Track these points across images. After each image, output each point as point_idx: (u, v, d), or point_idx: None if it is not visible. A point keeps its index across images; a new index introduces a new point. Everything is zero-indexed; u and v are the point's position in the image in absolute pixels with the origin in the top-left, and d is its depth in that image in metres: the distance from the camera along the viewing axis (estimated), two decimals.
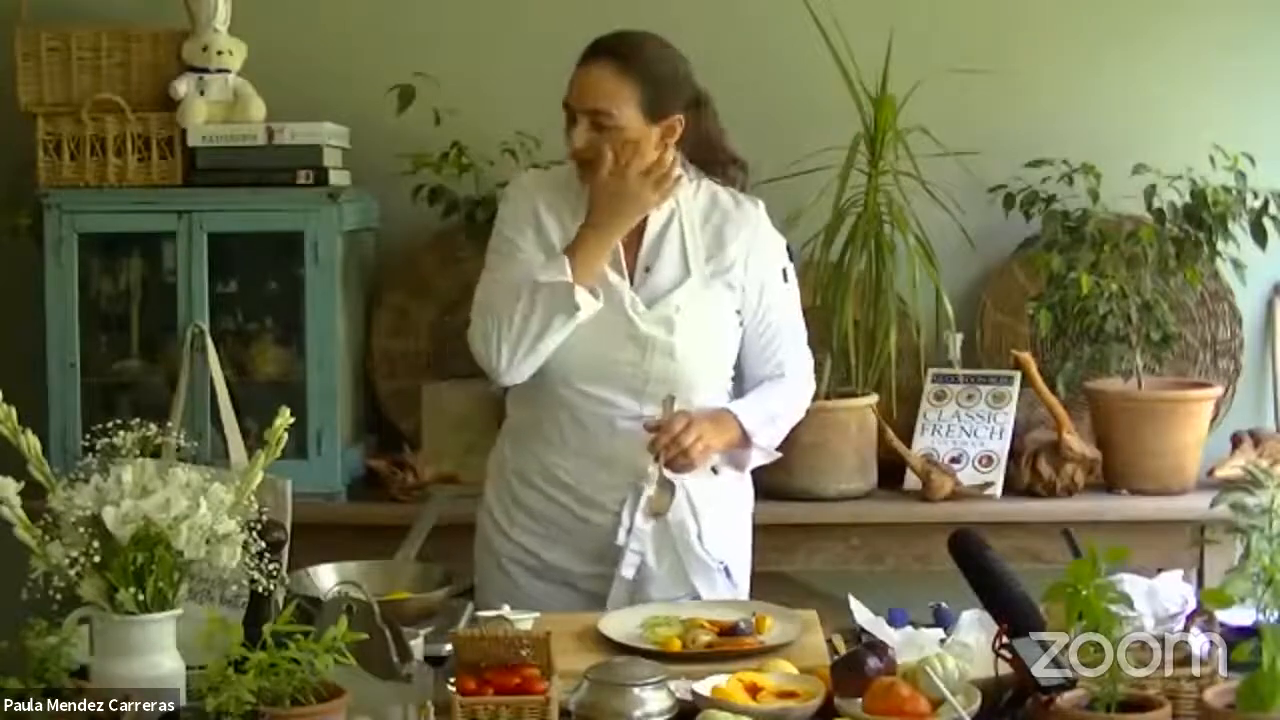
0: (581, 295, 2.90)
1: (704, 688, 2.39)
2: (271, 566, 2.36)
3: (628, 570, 2.99)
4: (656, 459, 2.92)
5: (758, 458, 3.09)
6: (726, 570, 3.07)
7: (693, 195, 3.06)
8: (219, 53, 4.02)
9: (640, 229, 3.01)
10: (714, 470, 3.05)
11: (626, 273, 2.99)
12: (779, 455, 3.14)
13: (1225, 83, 4.30)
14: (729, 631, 2.67)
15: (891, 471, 4.03)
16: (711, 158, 3.11)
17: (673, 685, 2.38)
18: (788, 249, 3.15)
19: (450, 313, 4.16)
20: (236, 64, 4.05)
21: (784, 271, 3.10)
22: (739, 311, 3.04)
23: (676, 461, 2.93)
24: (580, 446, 3.01)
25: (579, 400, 2.99)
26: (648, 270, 3.01)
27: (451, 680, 2.37)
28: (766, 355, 3.09)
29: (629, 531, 2.98)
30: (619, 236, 2.97)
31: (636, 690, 2.32)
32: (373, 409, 4.27)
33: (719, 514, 3.07)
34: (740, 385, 3.11)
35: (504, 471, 3.12)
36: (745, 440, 3.04)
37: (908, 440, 4.06)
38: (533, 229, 3.02)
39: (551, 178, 3.12)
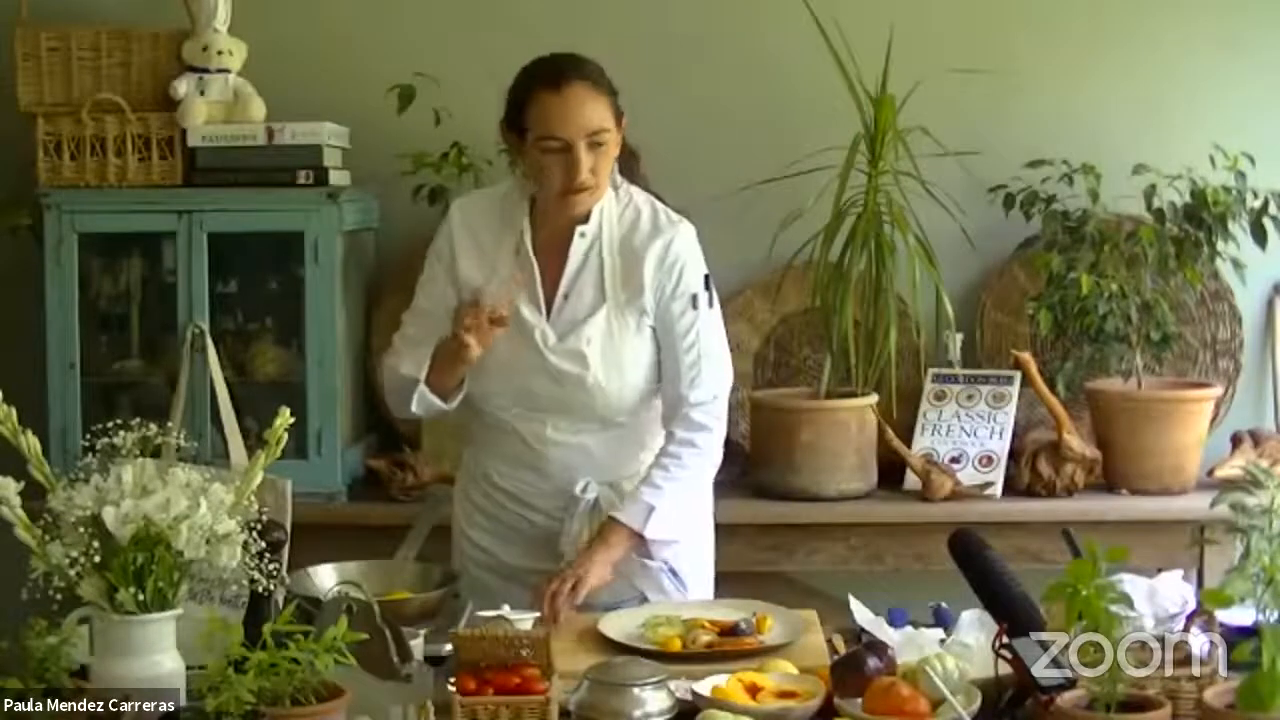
0: (428, 395, 2.94)
1: (704, 688, 2.39)
2: (271, 566, 2.36)
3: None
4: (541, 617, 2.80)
5: (660, 548, 2.98)
6: (671, 571, 3.04)
7: (617, 216, 3.01)
8: (219, 53, 4.02)
9: (563, 254, 2.98)
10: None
11: (544, 304, 2.97)
12: (677, 541, 3.00)
13: (1225, 83, 4.30)
14: (729, 631, 2.67)
15: (891, 471, 4.03)
16: None
17: (673, 685, 2.38)
18: (705, 277, 3.02)
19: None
20: (236, 64, 4.05)
21: (693, 298, 2.99)
22: (653, 335, 2.99)
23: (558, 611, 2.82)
24: (514, 455, 3.03)
25: (507, 418, 3.01)
26: (566, 297, 2.97)
27: (451, 680, 2.37)
28: (674, 385, 2.99)
29: (571, 542, 2.98)
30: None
31: (636, 690, 2.32)
32: (373, 409, 4.27)
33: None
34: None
35: (465, 472, 3.15)
36: (641, 540, 2.94)
37: (908, 440, 4.06)
38: (443, 265, 3.04)
39: (482, 208, 3.07)
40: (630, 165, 3.08)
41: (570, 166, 2.90)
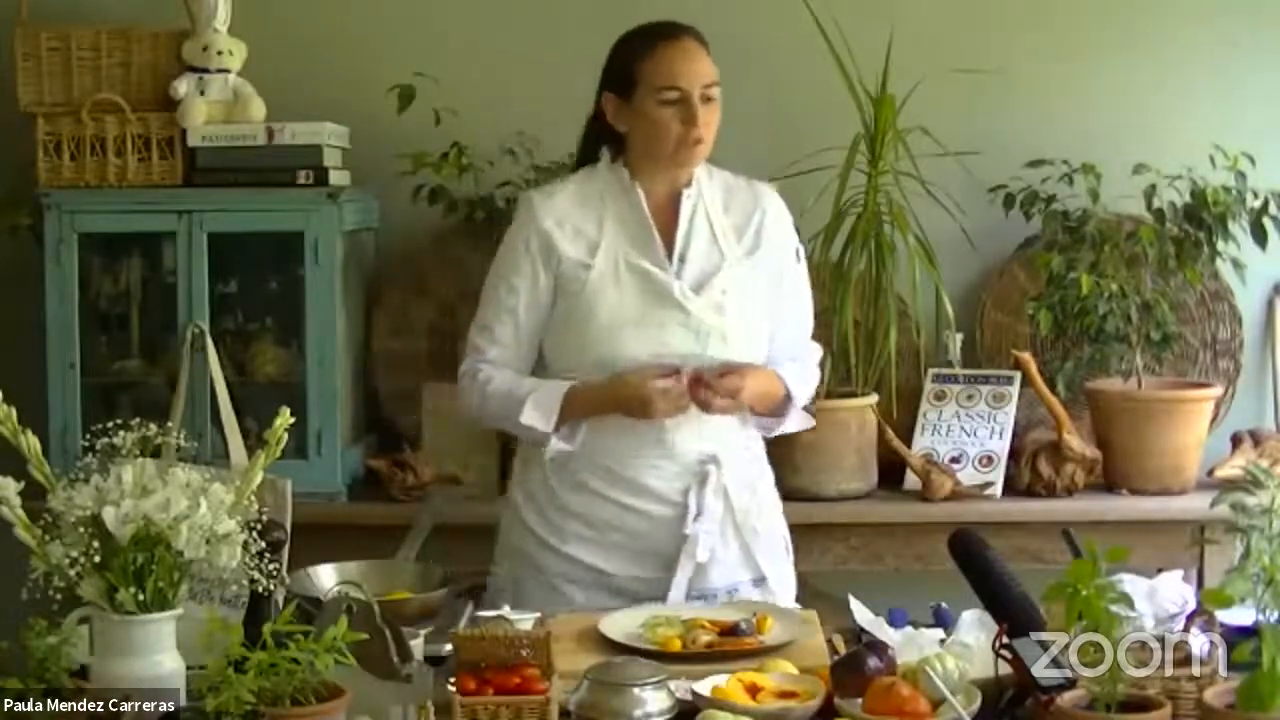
0: (555, 443, 2.96)
1: (704, 688, 2.39)
2: (271, 566, 2.36)
3: (703, 553, 2.96)
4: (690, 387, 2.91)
5: (793, 422, 3.11)
6: (787, 546, 3.11)
7: (708, 180, 3.07)
8: (219, 53, 4.01)
9: (673, 217, 3.01)
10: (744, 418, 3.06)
11: (668, 263, 2.99)
12: (812, 423, 3.18)
13: (1225, 83, 4.30)
14: (729, 631, 2.67)
15: (891, 471, 4.03)
16: None
17: (673, 685, 2.38)
18: (795, 228, 3.17)
19: (450, 313, 4.16)
20: (236, 64, 4.05)
21: (796, 251, 3.13)
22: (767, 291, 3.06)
23: (710, 399, 2.92)
24: (644, 437, 2.97)
25: None
26: (683, 260, 3.00)
27: (451, 680, 2.37)
28: (785, 338, 3.09)
29: (696, 517, 2.96)
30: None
31: (636, 690, 2.32)
32: (373, 409, 4.27)
33: (767, 489, 3.11)
34: None
35: (545, 483, 3.04)
36: (786, 401, 3.06)
37: (908, 440, 4.06)
38: (527, 271, 3.01)
39: (564, 195, 3.06)
40: None
41: (688, 117, 2.95)
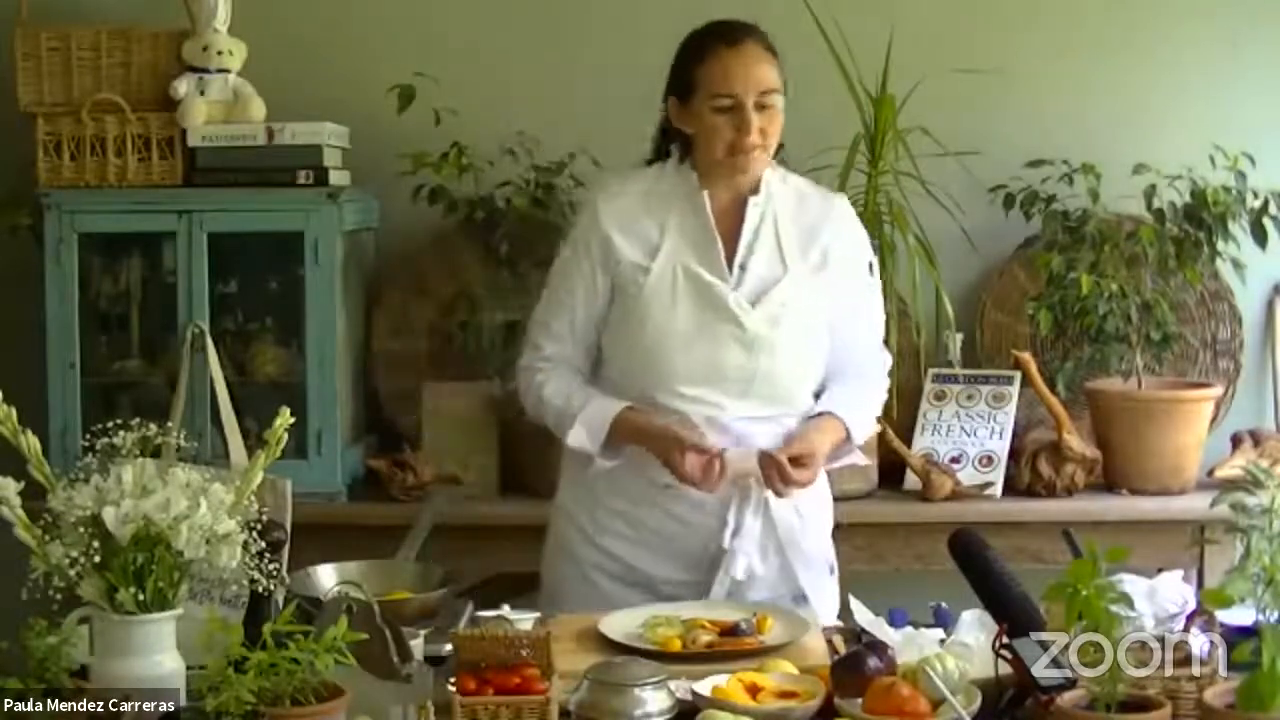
0: (600, 462, 2.96)
1: (704, 688, 2.39)
2: (271, 566, 2.36)
3: (739, 572, 2.95)
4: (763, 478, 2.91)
5: (852, 458, 3.08)
6: (831, 568, 3.07)
7: (780, 188, 3.02)
8: (219, 53, 4.01)
9: (738, 224, 2.98)
10: None
11: (726, 273, 2.95)
12: (867, 462, 3.14)
13: (1225, 83, 4.30)
14: (729, 631, 2.67)
15: (891, 471, 4.02)
16: None
17: (673, 685, 2.38)
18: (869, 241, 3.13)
19: (450, 313, 4.16)
20: (236, 64, 4.05)
21: (870, 265, 3.08)
22: (830, 305, 3.01)
23: (780, 487, 2.90)
24: None
25: (682, 405, 2.94)
26: (743, 269, 2.96)
27: (451, 680, 2.37)
28: (852, 352, 3.05)
29: (735, 534, 2.95)
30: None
31: (636, 690, 2.32)
32: (373, 409, 4.27)
33: (817, 510, 3.07)
34: (822, 381, 3.07)
35: (588, 477, 3.04)
36: (847, 443, 3.02)
37: (908, 440, 4.06)
38: (586, 269, 2.99)
39: (629, 197, 3.02)
40: (783, 157, 3.09)
41: (741, 124, 2.91)
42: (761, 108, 2.92)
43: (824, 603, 3.05)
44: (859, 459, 3.12)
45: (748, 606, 2.81)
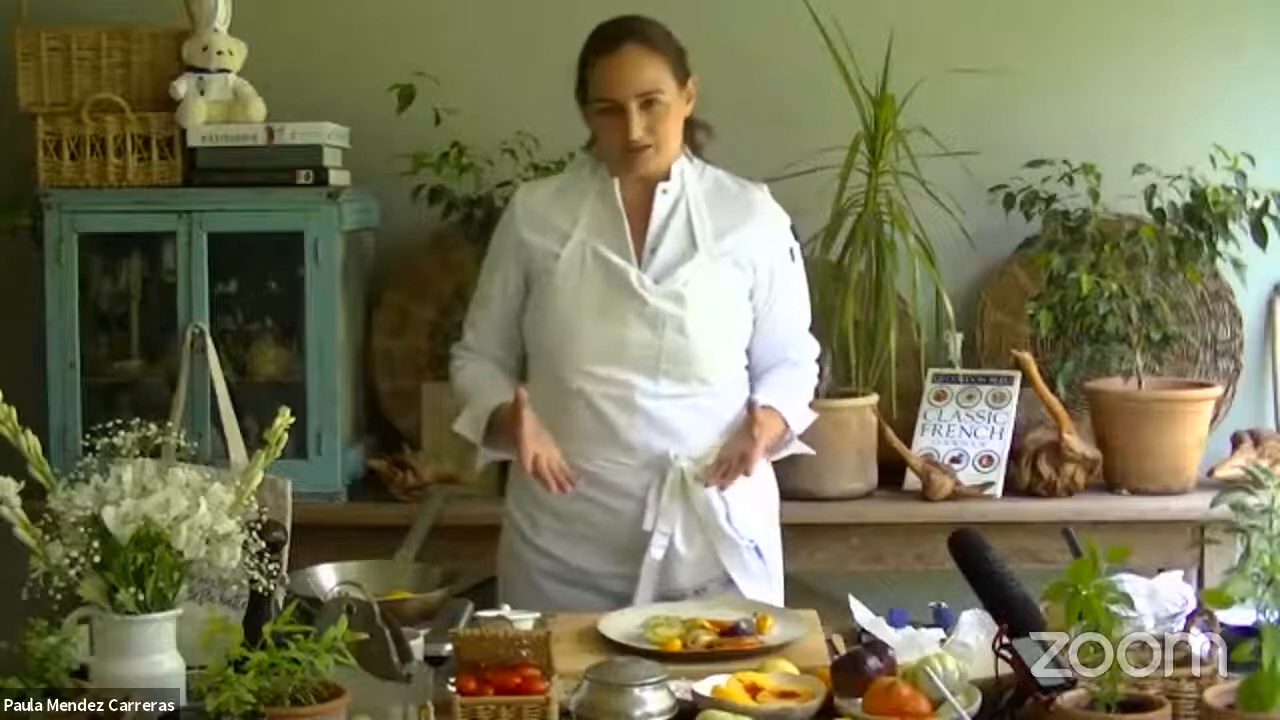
0: (485, 453, 3.06)
1: (704, 688, 2.39)
2: (271, 566, 2.36)
3: (656, 551, 2.97)
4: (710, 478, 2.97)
5: (794, 448, 3.11)
6: (757, 549, 3.06)
7: (697, 178, 3.06)
8: (219, 53, 4.02)
9: (646, 212, 3.02)
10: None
11: (634, 255, 2.99)
12: (811, 451, 3.17)
13: (1225, 83, 4.30)
14: (729, 631, 2.67)
15: (891, 471, 4.03)
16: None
17: (673, 685, 2.37)
18: (791, 228, 3.15)
19: (450, 313, 4.16)
20: (236, 64, 4.05)
21: (790, 251, 3.11)
22: (751, 293, 3.04)
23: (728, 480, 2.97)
24: (599, 433, 2.99)
25: (593, 385, 2.98)
26: (653, 252, 3.00)
27: (451, 680, 2.37)
28: (778, 338, 3.09)
29: (656, 515, 2.97)
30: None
31: (636, 690, 2.32)
32: (373, 409, 4.27)
33: (745, 493, 3.05)
34: (750, 371, 3.10)
35: (524, 479, 3.05)
36: (785, 435, 3.06)
37: (908, 440, 4.06)
38: (503, 264, 3.07)
39: (546, 189, 3.13)
40: (695, 140, 3.11)
41: (622, 126, 2.95)
42: (649, 104, 2.95)
43: (751, 585, 3.03)
44: (799, 449, 3.14)
45: (747, 606, 2.81)
